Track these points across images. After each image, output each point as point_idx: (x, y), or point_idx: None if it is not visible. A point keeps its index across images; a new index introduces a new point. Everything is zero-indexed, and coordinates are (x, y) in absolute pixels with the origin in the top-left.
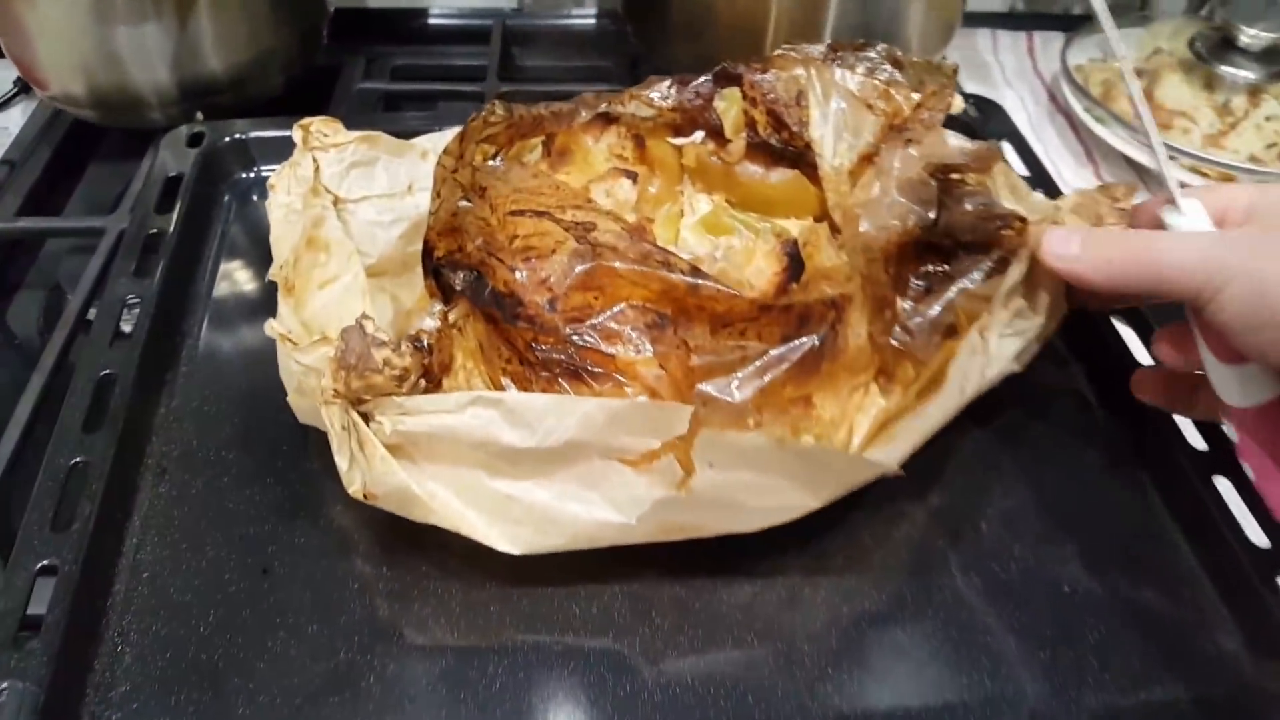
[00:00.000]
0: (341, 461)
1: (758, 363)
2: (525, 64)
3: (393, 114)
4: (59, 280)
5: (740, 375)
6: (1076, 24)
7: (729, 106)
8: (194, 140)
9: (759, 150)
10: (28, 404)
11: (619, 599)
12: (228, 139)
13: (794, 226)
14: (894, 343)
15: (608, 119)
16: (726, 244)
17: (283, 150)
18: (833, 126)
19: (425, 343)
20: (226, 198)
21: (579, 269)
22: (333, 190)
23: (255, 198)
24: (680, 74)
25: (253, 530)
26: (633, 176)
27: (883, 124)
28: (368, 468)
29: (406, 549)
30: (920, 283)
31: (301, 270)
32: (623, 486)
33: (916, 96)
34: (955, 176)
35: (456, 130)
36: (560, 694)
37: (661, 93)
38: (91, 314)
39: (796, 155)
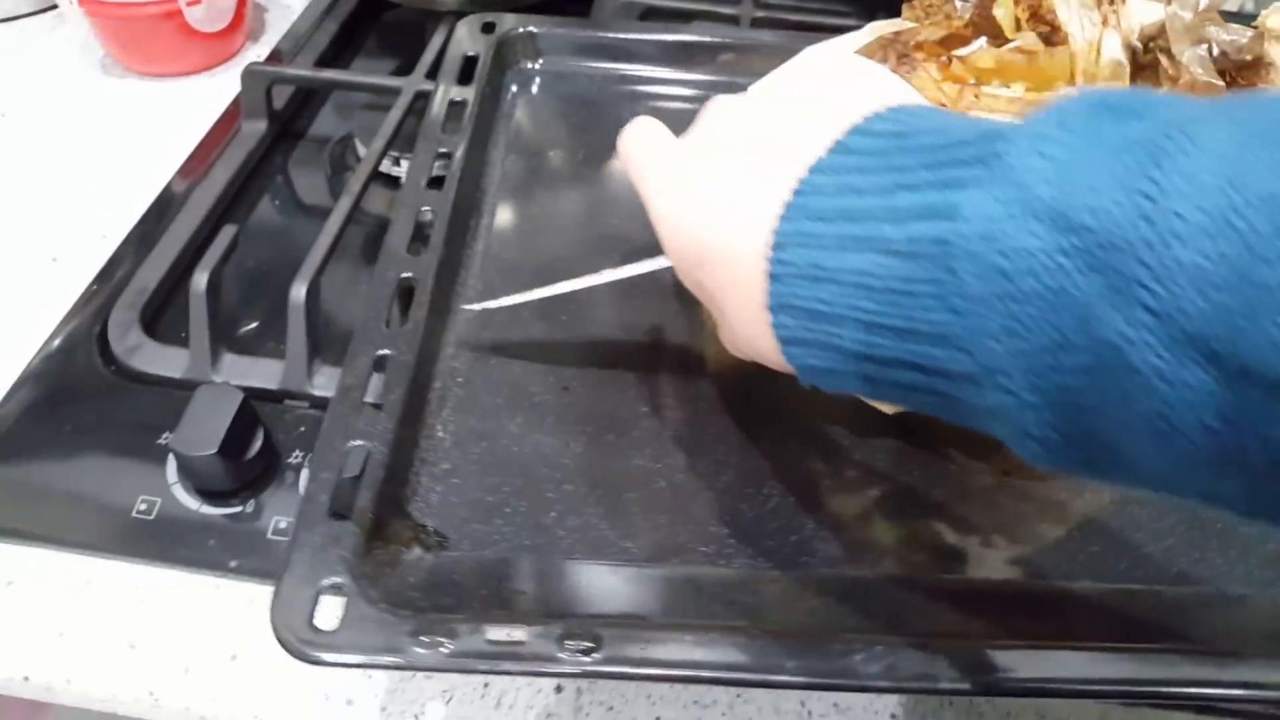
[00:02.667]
0: None
1: None
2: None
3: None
4: (351, 131)
5: None
6: None
7: (1006, 11)
8: (487, 28)
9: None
10: (332, 228)
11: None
12: (518, 30)
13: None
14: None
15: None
16: None
17: (560, 44)
18: (1074, 7)
19: None
20: (514, 86)
21: None
22: None
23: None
24: None
25: (554, 354)
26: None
27: None
28: None
29: (694, 379)
30: None
31: None
32: None
33: None
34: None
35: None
36: (829, 522)
37: (955, 11)
38: (385, 166)
39: (1047, 37)
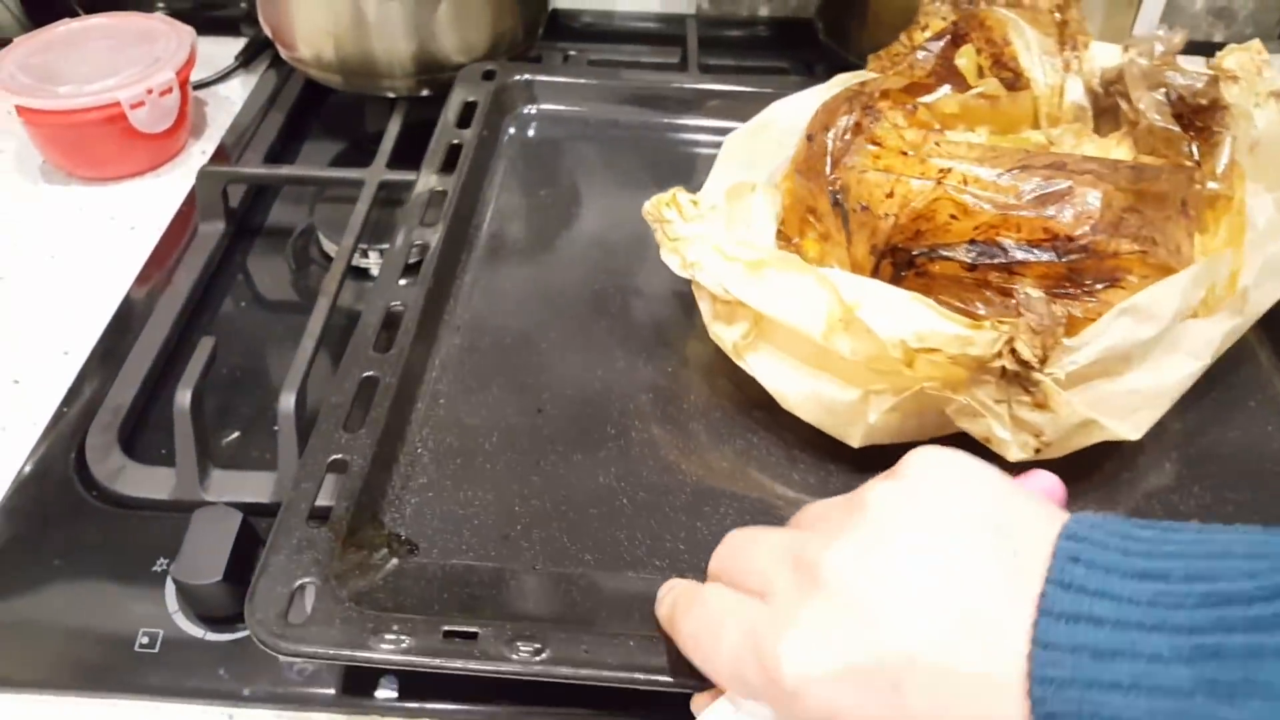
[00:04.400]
0: (1004, 432)
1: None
2: (708, 63)
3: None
4: (312, 223)
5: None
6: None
7: (969, 60)
8: (487, 76)
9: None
10: (314, 331)
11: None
12: (515, 78)
13: (1036, 135)
14: (1207, 189)
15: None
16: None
17: (556, 92)
18: (1036, 54)
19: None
20: (510, 129)
21: (1095, 196)
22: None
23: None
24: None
25: (529, 380)
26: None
27: (1054, 40)
28: (1054, 420)
29: (663, 402)
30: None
31: None
32: (1196, 336)
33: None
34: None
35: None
36: None
37: (918, 61)
38: (357, 259)
39: (1009, 83)
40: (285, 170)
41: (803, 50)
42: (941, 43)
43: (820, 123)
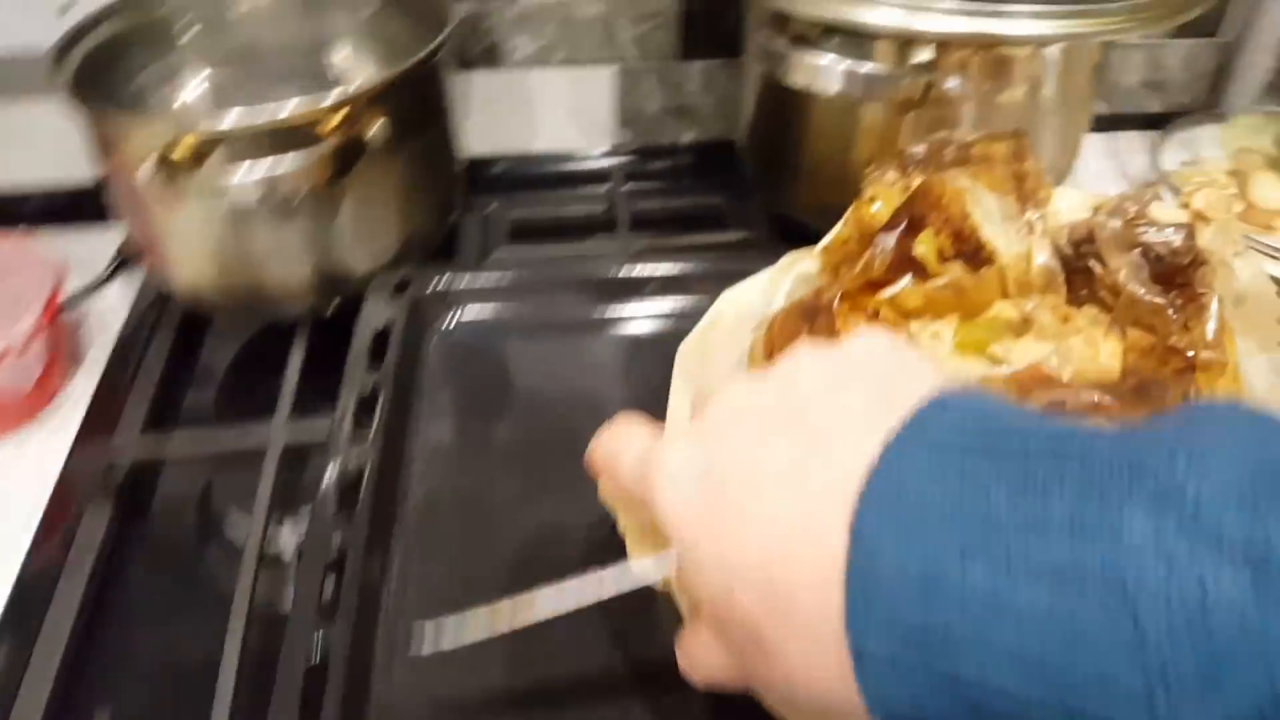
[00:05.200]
0: None
1: None
2: (637, 207)
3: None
4: (210, 484)
5: None
6: (1157, 123)
7: (928, 247)
8: (400, 287)
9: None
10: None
11: None
12: (430, 290)
13: (1007, 310)
14: (1202, 357)
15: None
16: (1049, 350)
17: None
18: (998, 222)
19: None
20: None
21: None
22: None
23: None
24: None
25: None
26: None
27: (1013, 200)
28: None
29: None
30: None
31: None
32: None
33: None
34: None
35: None
36: None
37: (873, 262)
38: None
39: (973, 256)
40: (170, 450)
41: (731, 178)
42: (896, 233)
43: (776, 345)
